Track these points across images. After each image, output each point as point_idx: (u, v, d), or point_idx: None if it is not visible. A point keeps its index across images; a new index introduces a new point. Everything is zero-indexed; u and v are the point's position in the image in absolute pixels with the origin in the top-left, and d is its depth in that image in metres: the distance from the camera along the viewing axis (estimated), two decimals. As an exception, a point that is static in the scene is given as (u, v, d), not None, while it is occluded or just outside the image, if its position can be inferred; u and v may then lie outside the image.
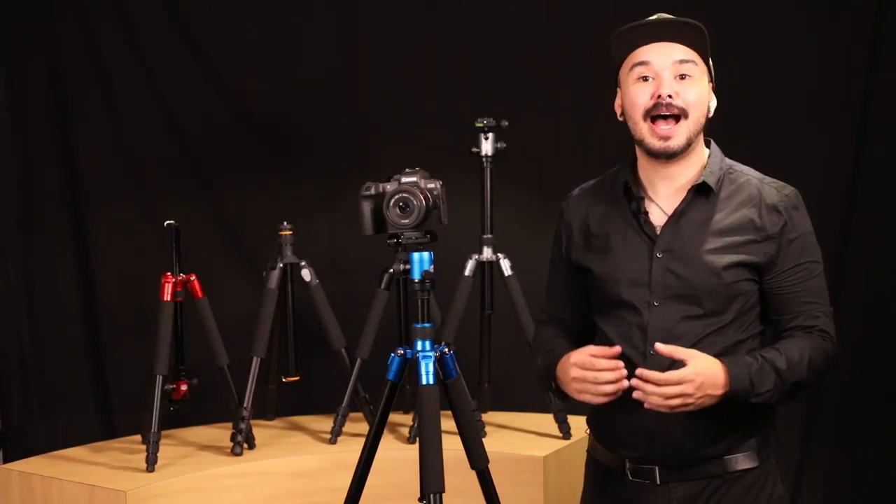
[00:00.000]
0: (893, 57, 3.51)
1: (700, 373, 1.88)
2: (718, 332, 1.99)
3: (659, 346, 1.91)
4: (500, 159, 3.36)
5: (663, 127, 1.97)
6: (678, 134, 1.97)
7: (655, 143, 1.98)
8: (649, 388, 1.88)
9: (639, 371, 1.90)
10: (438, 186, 2.26)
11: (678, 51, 1.98)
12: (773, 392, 1.93)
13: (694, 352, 1.91)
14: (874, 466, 3.58)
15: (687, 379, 1.87)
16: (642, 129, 2.00)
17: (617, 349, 1.94)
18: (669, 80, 1.97)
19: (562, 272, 2.19)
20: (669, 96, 1.96)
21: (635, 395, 1.89)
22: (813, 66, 3.64)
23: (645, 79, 1.99)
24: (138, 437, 3.42)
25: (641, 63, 1.99)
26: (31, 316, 4.06)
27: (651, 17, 2.01)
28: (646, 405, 1.90)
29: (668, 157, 1.99)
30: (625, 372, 1.92)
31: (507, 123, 3.33)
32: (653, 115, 1.98)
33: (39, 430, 4.03)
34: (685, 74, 1.98)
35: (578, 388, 1.95)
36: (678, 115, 1.97)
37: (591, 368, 1.93)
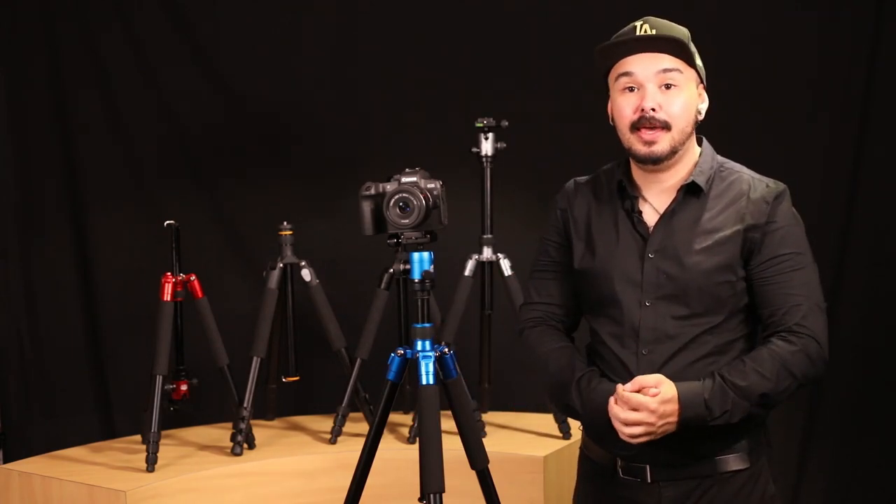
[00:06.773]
0: (893, 56, 3.51)
1: (665, 401, 1.90)
2: (710, 332, 2.00)
3: (621, 389, 1.94)
4: (500, 159, 3.36)
5: (647, 131, 1.99)
6: (662, 140, 1.99)
7: (641, 149, 2.00)
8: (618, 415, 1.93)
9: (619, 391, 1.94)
10: (438, 186, 2.27)
11: (662, 60, 1.99)
12: (733, 411, 1.92)
13: (661, 379, 1.93)
14: (874, 466, 3.58)
15: (647, 407, 1.90)
16: (629, 139, 2.02)
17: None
18: (654, 91, 1.98)
19: (557, 260, 2.17)
20: (653, 109, 1.98)
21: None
22: (813, 65, 3.64)
23: (631, 89, 2.00)
24: (138, 437, 3.42)
25: (626, 74, 2.00)
26: (31, 316, 4.06)
27: (636, 23, 2.01)
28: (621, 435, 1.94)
29: (654, 162, 2.01)
30: None
31: (507, 123, 3.33)
32: (638, 127, 1.99)
33: (39, 430, 4.03)
34: (670, 84, 1.99)
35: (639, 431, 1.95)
36: (662, 127, 1.99)
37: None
